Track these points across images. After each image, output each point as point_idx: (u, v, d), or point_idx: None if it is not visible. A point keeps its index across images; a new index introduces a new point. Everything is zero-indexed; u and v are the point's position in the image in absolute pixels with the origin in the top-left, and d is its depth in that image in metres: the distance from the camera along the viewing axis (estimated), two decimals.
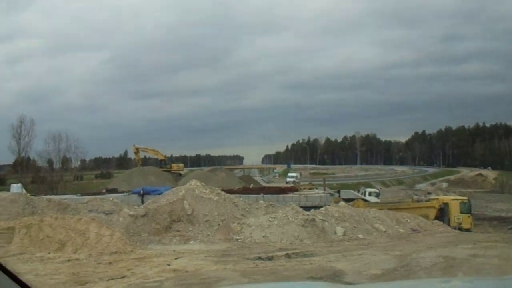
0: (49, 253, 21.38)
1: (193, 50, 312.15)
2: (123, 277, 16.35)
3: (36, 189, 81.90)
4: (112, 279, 16.16)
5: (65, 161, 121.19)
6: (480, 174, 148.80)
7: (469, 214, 40.23)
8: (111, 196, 43.51)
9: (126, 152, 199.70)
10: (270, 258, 20.33)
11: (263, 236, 25.97)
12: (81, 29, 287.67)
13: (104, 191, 69.81)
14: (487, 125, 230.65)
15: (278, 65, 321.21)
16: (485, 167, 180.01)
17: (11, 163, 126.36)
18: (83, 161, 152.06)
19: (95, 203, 32.92)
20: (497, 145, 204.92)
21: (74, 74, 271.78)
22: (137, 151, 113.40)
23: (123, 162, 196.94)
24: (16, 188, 53.83)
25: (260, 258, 20.41)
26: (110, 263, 19.30)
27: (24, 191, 49.99)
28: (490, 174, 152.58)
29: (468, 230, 37.74)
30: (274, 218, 27.75)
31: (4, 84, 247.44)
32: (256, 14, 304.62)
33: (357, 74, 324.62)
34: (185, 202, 29.92)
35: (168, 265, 18.49)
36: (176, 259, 20.02)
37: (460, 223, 38.26)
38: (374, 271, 16.12)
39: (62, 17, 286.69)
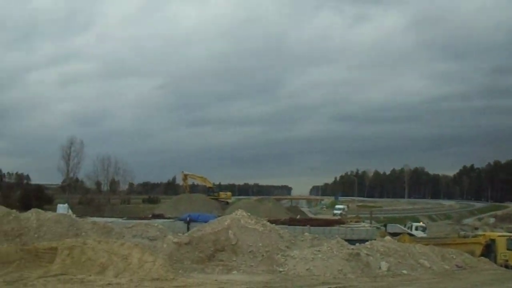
0: (90, 275, 21.23)
1: (245, 80, 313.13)
2: None
3: (82, 210, 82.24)
4: None
5: (113, 184, 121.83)
6: None
7: None
8: (157, 222, 43.12)
9: (174, 178, 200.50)
10: None
11: (307, 269, 25.49)
12: (134, 55, 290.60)
13: (150, 216, 69.73)
14: None
15: (328, 96, 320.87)
16: None
17: (59, 184, 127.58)
18: (131, 185, 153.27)
19: (140, 228, 32.71)
20: None
21: (125, 99, 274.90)
22: (185, 177, 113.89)
23: (171, 188, 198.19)
24: (62, 208, 53.98)
25: None
26: None
27: (70, 212, 50.05)
28: None
29: None
30: (319, 251, 27.26)
31: (56, 105, 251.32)
32: (309, 45, 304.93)
33: (406, 107, 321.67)
34: (230, 231, 29.61)
35: None
36: None
37: (507, 260, 37.33)
38: None
39: (116, 42, 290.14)
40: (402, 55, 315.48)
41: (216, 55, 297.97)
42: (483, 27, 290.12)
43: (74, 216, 37.77)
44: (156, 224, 35.13)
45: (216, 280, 22.73)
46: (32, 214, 32.00)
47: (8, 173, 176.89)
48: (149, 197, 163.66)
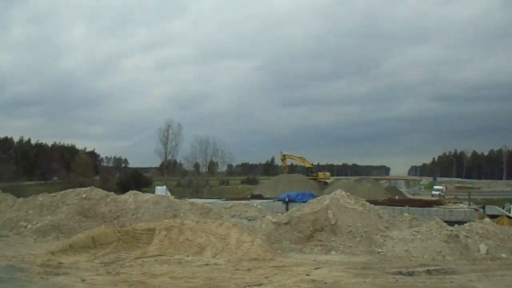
0: (187, 256, 21.23)
1: (341, 59, 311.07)
2: (260, 285, 15.87)
3: (181, 192, 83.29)
4: (248, 286, 15.71)
5: (212, 165, 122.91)
6: None
7: None
8: (255, 202, 43.12)
9: (273, 159, 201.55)
10: (411, 274, 19.32)
11: (405, 250, 24.91)
12: (229, 38, 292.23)
13: (249, 196, 70.09)
14: None
15: (425, 75, 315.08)
16: None
17: (157, 166, 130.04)
18: (229, 166, 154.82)
19: (238, 209, 32.62)
20: None
21: (222, 81, 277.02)
22: (284, 158, 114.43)
23: (269, 169, 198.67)
24: (160, 190, 54.67)
25: (400, 273, 19.43)
26: (248, 269, 18.82)
27: (168, 193, 50.53)
28: None
29: None
30: (418, 232, 26.57)
31: (153, 89, 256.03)
32: (404, 24, 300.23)
33: (505, 86, 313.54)
34: (329, 211, 29.17)
35: (307, 275, 17.80)
36: (315, 269, 19.34)
37: None
38: None
39: (211, 26, 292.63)
40: (499, 33, 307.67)
41: (312, 35, 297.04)
42: None
43: (172, 197, 38.04)
44: (255, 204, 34.99)
45: (314, 260, 22.41)
46: (130, 196, 32.42)
47: (106, 157, 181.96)
48: (247, 178, 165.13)
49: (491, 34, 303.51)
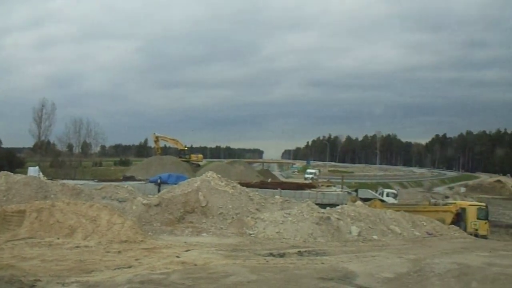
0: (58, 238, 21.29)
1: (218, 44, 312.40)
2: (129, 267, 16.10)
3: (54, 173, 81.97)
4: (119, 268, 15.92)
5: (85, 146, 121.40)
6: (499, 181, 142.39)
7: (486, 221, 39.41)
8: (127, 183, 43.11)
9: (146, 141, 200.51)
10: (282, 255, 19.96)
11: (277, 232, 25.66)
12: (109, 18, 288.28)
13: (121, 178, 69.69)
14: (509, 131, 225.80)
15: (301, 62, 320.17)
16: (504, 174, 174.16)
17: (31, 146, 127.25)
18: (103, 147, 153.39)
19: (109, 190, 32.68)
20: None
21: (99, 61, 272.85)
22: (157, 139, 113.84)
23: (142, 150, 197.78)
24: (33, 171, 53.68)
25: (271, 254, 20.04)
26: (119, 252, 19.11)
27: (41, 174, 49.89)
28: (509, 181, 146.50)
29: (484, 237, 36.92)
30: (289, 214, 27.38)
31: (30, 68, 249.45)
32: (283, 11, 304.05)
33: (379, 75, 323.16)
34: (200, 193, 29.72)
35: (177, 257, 18.20)
36: (186, 251, 19.77)
37: (477, 230, 37.61)
38: (386, 275, 15.62)
39: (91, 4, 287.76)
40: (376, 25, 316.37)
41: (191, 18, 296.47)
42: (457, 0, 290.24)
43: (45, 179, 37.72)
44: (126, 186, 35.18)
45: (185, 242, 22.85)
46: (1, 177, 31.90)
47: None
48: (120, 159, 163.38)
49: (368, 25, 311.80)
